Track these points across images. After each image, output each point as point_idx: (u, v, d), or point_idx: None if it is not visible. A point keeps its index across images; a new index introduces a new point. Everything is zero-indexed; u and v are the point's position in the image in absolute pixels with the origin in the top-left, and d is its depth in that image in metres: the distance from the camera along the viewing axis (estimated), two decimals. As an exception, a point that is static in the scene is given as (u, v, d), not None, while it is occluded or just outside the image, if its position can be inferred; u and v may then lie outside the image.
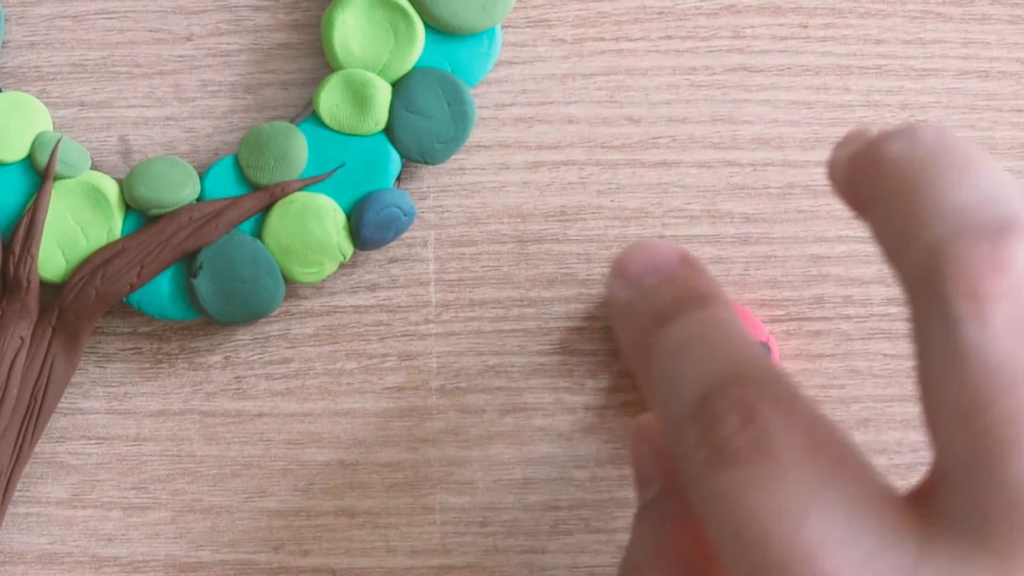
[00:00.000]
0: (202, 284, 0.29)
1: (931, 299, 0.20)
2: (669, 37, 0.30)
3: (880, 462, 0.30)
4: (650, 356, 0.24)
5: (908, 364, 0.30)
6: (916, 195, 0.21)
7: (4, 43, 0.30)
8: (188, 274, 0.29)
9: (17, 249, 0.29)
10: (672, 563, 0.25)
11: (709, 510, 0.22)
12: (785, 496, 0.21)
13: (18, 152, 0.29)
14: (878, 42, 0.30)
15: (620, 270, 0.26)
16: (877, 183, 0.22)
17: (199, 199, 0.29)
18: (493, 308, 0.30)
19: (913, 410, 0.30)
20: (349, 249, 0.29)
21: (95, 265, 0.29)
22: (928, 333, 0.20)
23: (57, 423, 0.30)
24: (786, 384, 0.22)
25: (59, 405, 0.30)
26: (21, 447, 0.29)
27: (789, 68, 0.30)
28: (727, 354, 0.23)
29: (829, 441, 0.21)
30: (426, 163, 0.29)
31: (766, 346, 0.29)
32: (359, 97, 0.29)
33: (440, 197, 0.30)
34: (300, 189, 0.29)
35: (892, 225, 0.21)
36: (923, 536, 0.20)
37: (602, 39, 0.30)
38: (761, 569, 0.21)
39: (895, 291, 0.30)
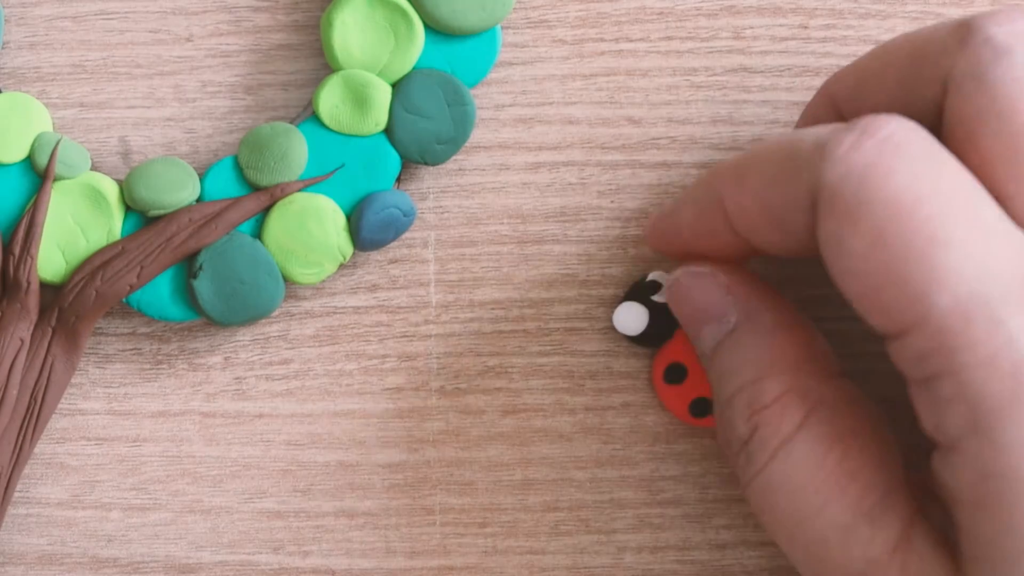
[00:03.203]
0: (202, 285, 0.29)
1: (975, 47, 0.22)
2: (669, 38, 0.30)
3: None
4: (748, 154, 0.25)
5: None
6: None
7: (4, 44, 0.30)
8: (188, 275, 0.29)
9: (17, 250, 0.29)
10: (784, 372, 0.25)
11: (864, 199, 0.21)
12: (959, 183, 0.21)
13: (18, 153, 0.29)
14: (878, 43, 0.30)
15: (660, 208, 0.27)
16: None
17: (199, 200, 0.29)
18: (493, 309, 0.30)
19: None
20: (349, 250, 0.29)
21: (95, 266, 0.29)
22: (979, 76, 0.22)
23: (57, 424, 0.30)
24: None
25: (59, 406, 0.30)
26: (21, 448, 0.29)
27: (789, 69, 0.30)
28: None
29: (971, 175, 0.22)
30: (426, 164, 0.29)
31: None
32: (359, 98, 0.29)
33: (440, 198, 0.30)
34: (300, 190, 0.29)
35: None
36: None
37: (602, 40, 0.30)
38: (928, 244, 0.21)
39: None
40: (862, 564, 0.23)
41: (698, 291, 0.27)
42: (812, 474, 0.24)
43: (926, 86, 0.24)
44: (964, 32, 0.23)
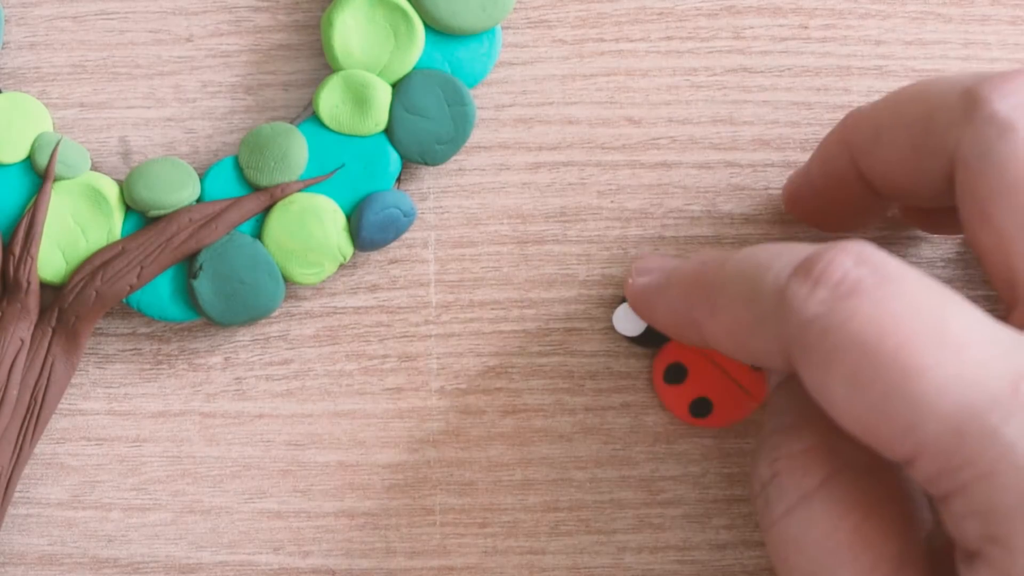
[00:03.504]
0: (202, 285, 0.29)
1: (979, 123, 0.23)
2: (669, 38, 0.30)
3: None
4: (708, 280, 0.25)
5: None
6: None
7: (4, 44, 0.30)
8: (188, 275, 0.29)
9: (17, 250, 0.29)
10: (818, 426, 0.24)
11: (831, 347, 0.21)
12: (920, 303, 0.21)
13: (18, 153, 0.29)
14: (878, 43, 0.30)
15: (641, 270, 0.28)
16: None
17: (199, 200, 0.29)
18: (493, 309, 0.30)
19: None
20: (349, 250, 0.29)
21: (95, 266, 0.29)
22: (983, 155, 0.23)
23: (57, 424, 0.30)
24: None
25: (59, 406, 0.30)
26: (21, 448, 0.29)
27: (789, 69, 0.30)
28: (804, 245, 0.23)
29: (935, 282, 0.22)
30: (426, 164, 0.29)
31: None
32: (359, 98, 0.29)
33: (440, 198, 0.30)
34: (300, 190, 0.29)
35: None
36: None
37: (602, 40, 0.30)
38: (904, 378, 0.20)
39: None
40: None
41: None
42: (827, 535, 0.23)
43: (936, 156, 0.24)
44: (969, 105, 0.23)
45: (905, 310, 0.21)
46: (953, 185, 0.24)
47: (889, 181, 0.25)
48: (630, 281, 0.28)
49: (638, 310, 0.28)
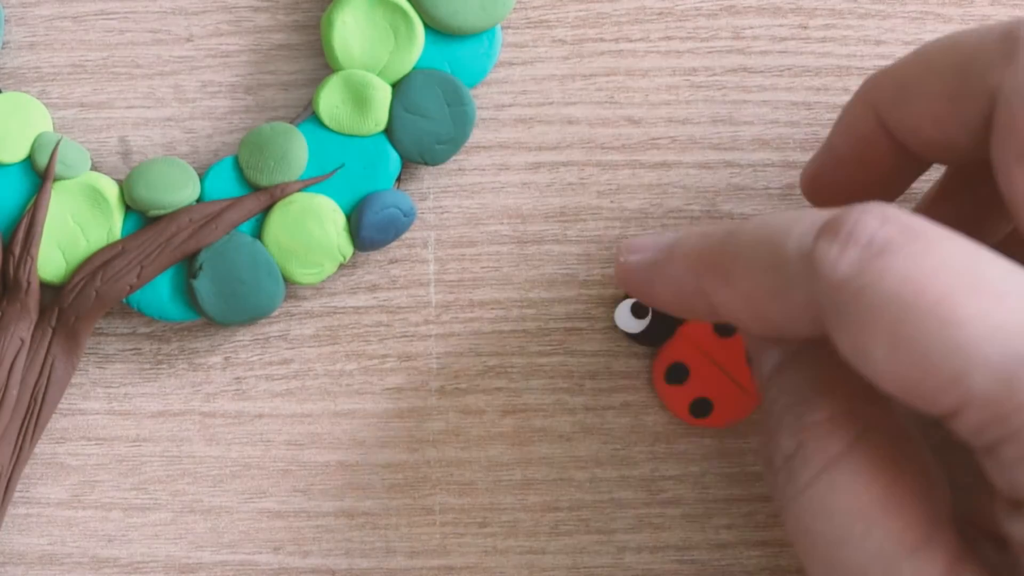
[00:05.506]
0: (202, 285, 0.29)
1: None
2: (669, 38, 0.30)
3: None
4: (718, 250, 0.24)
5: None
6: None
7: (4, 44, 0.30)
8: (188, 275, 0.29)
9: (17, 250, 0.29)
10: (839, 394, 0.24)
11: (866, 307, 0.21)
12: (953, 256, 0.21)
13: (18, 153, 0.29)
14: (878, 43, 0.30)
15: (631, 248, 0.26)
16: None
17: (199, 200, 0.29)
18: (493, 309, 0.30)
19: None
20: (349, 250, 0.29)
21: (95, 266, 0.29)
22: None
23: (57, 424, 0.30)
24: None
25: (59, 406, 0.30)
26: (21, 448, 0.29)
27: (789, 69, 0.30)
28: (817, 212, 0.23)
29: (964, 237, 0.22)
30: (426, 164, 0.29)
31: None
32: (359, 98, 0.29)
33: (440, 198, 0.30)
34: (300, 190, 0.29)
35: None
36: None
37: (602, 40, 0.30)
38: (946, 330, 0.20)
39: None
40: None
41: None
42: (857, 499, 0.23)
43: (973, 99, 0.24)
44: (1011, 45, 0.23)
45: (940, 264, 0.21)
46: (989, 133, 0.24)
47: (921, 135, 0.25)
48: (621, 260, 0.27)
49: (632, 289, 0.27)
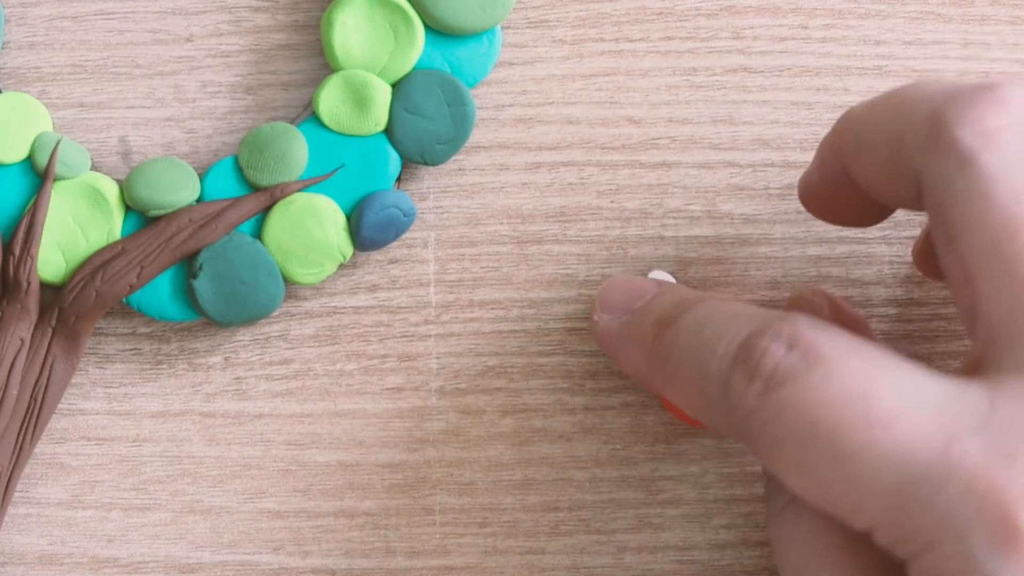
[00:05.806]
0: (202, 285, 0.29)
1: (942, 152, 0.22)
2: (669, 38, 0.30)
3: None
4: (663, 351, 0.25)
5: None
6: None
7: (4, 44, 0.30)
8: (188, 275, 0.29)
9: (17, 250, 0.29)
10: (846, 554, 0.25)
11: (772, 438, 0.22)
12: (847, 384, 0.21)
13: (18, 153, 0.29)
14: (878, 43, 0.30)
15: (604, 305, 0.27)
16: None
17: (199, 200, 0.29)
18: (493, 309, 0.30)
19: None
20: (349, 250, 0.29)
21: (95, 266, 0.29)
22: (945, 186, 0.22)
23: (57, 424, 0.30)
24: (816, 319, 0.23)
25: (59, 406, 0.30)
26: (21, 448, 0.29)
27: (789, 69, 0.30)
28: (749, 314, 0.24)
29: (871, 344, 0.22)
30: (426, 164, 0.29)
31: None
32: (359, 98, 0.29)
33: (440, 198, 0.30)
34: (300, 190, 0.29)
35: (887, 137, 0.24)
36: (989, 384, 0.21)
37: (602, 40, 0.30)
38: (840, 462, 0.21)
39: (895, 292, 0.30)
40: None
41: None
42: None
43: (906, 175, 0.24)
44: (932, 130, 0.23)
45: (835, 394, 0.21)
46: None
47: (875, 188, 0.25)
48: (595, 317, 0.28)
49: (604, 349, 0.28)
